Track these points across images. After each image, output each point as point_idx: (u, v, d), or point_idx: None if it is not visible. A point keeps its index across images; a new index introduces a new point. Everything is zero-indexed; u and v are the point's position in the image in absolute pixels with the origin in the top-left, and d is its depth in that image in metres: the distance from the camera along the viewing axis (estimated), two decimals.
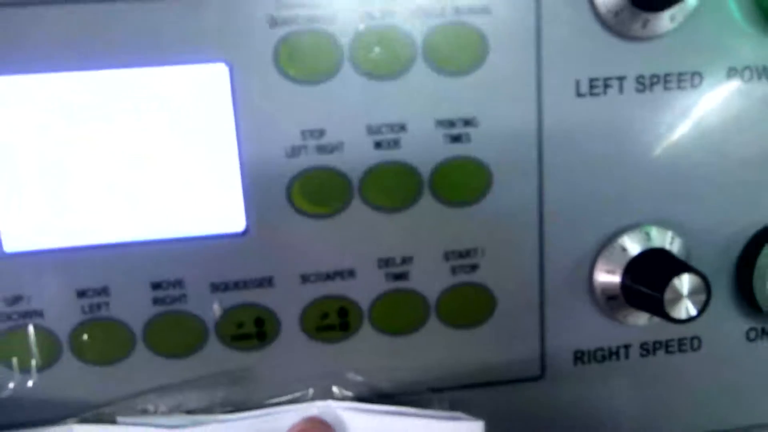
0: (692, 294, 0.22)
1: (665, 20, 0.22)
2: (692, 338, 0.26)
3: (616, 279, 0.24)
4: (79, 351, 0.23)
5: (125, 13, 0.21)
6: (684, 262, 0.23)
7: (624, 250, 0.24)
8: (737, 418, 0.27)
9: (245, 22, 0.21)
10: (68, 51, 0.21)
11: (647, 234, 0.24)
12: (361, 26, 0.22)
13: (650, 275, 0.22)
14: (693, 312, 0.22)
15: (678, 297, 0.21)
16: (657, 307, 0.22)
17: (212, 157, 0.22)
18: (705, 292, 0.22)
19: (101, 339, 0.23)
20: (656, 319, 0.24)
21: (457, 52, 0.22)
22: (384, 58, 0.22)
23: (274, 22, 0.21)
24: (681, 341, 0.26)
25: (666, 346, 0.26)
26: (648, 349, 0.26)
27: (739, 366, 0.26)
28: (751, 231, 0.25)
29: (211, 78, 0.22)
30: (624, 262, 0.24)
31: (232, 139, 0.22)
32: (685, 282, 0.21)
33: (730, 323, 0.26)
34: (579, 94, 0.23)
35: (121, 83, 0.21)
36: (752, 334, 0.26)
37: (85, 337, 0.23)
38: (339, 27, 0.21)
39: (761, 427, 0.27)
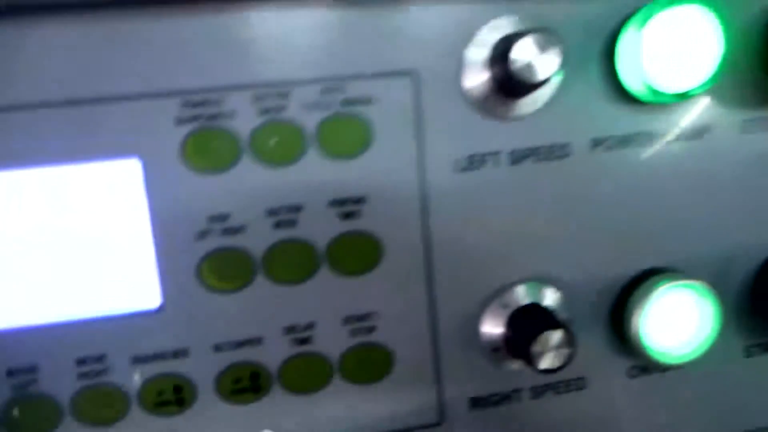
0: (558, 347, 0.24)
1: (528, 104, 0.25)
2: (577, 379, 0.29)
3: (500, 331, 0.26)
4: (10, 427, 0.25)
5: (47, 119, 0.23)
6: (552, 317, 0.25)
7: (506, 306, 0.26)
8: None
9: (154, 122, 0.23)
10: None
11: (527, 290, 0.27)
12: (259, 120, 0.24)
13: (523, 330, 0.25)
14: (556, 364, 0.24)
15: (543, 350, 0.24)
16: (528, 358, 0.24)
17: (129, 243, 0.24)
18: (569, 345, 0.24)
19: (30, 415, 0.25)
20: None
21: (346, 139, 0.25)
22: (280, 147, 0.24)
23: (179, 121, 0.23)
24: (568, 382, 0.29)
25: (554, 387, 0.29)
26: (538, 391, 0.28)
27: (622, 401, 0.29)
28: (622, 279, 0.28)
29: (126, 172, 0.24)
30: (506, 316, 0.26)
31: (147, 226, 0.24)
32: (550, 337, 0.24)
33: (612, 363, 0.29)
34: (458, 170, 0.26)
35: (43, 179, 0.23)
36: (634, 372, 0.29)
37: (16, 412, 0.25)
38: (238, 122, 0.24)
39: None
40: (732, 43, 0.25)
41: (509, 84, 0.23)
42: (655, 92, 0.24)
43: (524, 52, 0.22)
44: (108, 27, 0.22)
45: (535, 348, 0.24)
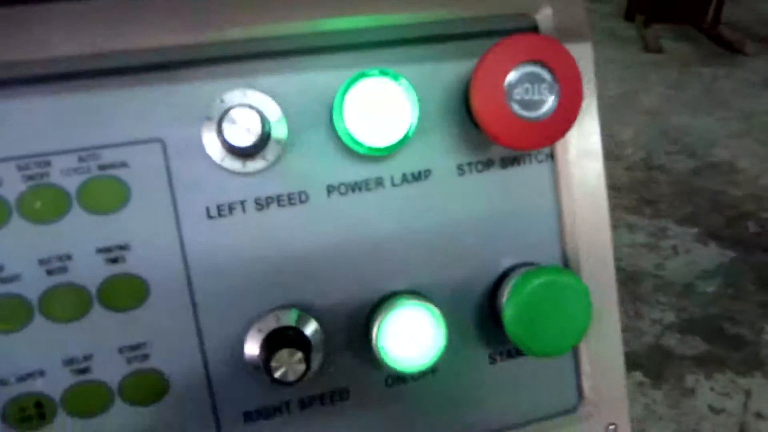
0: (292, 363, 0.29)
1: (260, 161, 0.30)
2: (341, 390, 0.33)
3: (257, 352, 0.31)
4: None
5: None
6: (292, 339, 0.30)
7: (260, 331, 0.31)
8: None
9: None
10: None
11: (277, 316, 0.31)
12: (24, 186, 0.28)
13: (267, 349, 0.30)
14: (290, 378, 0.29)
15: (279, 365, 0.29)
16: (270, 373, 0.29)
17: None
18: (303, 363, 0.29)
19: None
20: (309, 378, 0.32)
21: (105, 197, 0.29)
22: (45, 208, 0.29)
23: None
24: (332, 393, 0.33)
25: (320, 398, 0.33)
26: (305, 403, 0.33)
27: (382, 408, 0.34)
28: (370, 303, 0.33)
29: None
30: (261, 339, 0.31)
31: None
32: (284, 354, 0.29)
33: (370, 375, 0.33)
34: (210, 216, 0.30)
35: None
36: (389, 381, 0.34)
37: None
38: (5, 188, 0.28)
39: None
40: (428, 105, 0.30)
41: (232, 149, 0.29)
42: (361, 146, 0.30)
43: (231, 126, 0.27)
44: None
45: (273, 363, 0.29)
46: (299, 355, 0.29)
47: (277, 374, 0.29)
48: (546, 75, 0.29)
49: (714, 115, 2.42)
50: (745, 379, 1.24)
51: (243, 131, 0.27)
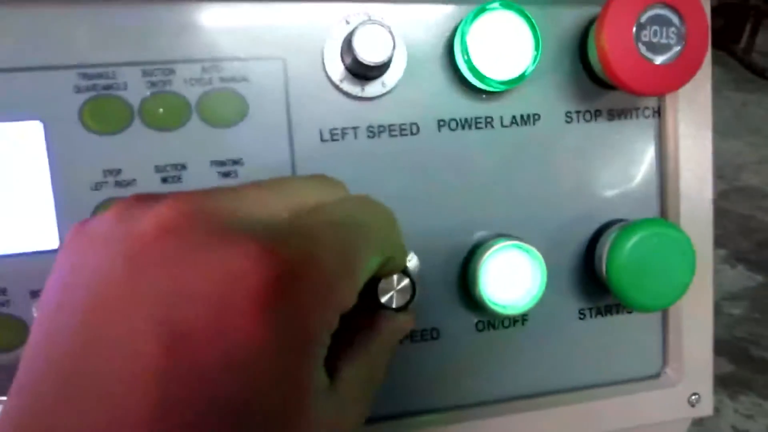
0: (400, 291, 0.29)
1: (378, 86, 0.30)
2: (432, 329, 0.33)
3: None
4: None
5: None
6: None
7: None
8: (473, 395, 0.34)
9: (56, 89, 0.28)
10: None
11: None
12: (148, 92, 0.29)
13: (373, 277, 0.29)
14: (396, 303, 0.29)
15: (390, 290, 0.28)
16: (377, 301, 0.29)
17: (31, 192, 0.28)
18: (410, 289, 0.29)
19: None
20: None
21: (223, 110, 0.29)
22: (166, 116, 0.29)
23: (78, 89, 0.28)
24: (423, 332, 0.33)
25: (410, 336, 0.33)
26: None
27: (470, 351, 0.33)
28: (468, 244, 0.32)
29: (29, 133, 0.28)
30: None
31: (47, 179, 0.28)
32: (393, 280, 0.28)
33: (461, 317, 0.33)
34: (323, 140, 0.30)
35: None
36: (480, 326, 0.33)
37: None
38: (130, 93, 0.28)
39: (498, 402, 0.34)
40: (546, 46, 0.30)
41: (356, 68, 0.29)
42: (481, 78, 0.30)
43: (362, 41, 0.27)
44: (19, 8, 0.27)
45: (381, 287, 0.29)
46: (407, 281, 0.29)
47: (383, 299, 0.29)
48: (675, 20, 0.29)
49: (743, 139, 2.40)
50: None
51: (374, 47, 0.27)
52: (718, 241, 1.74)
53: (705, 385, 0.36)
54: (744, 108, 2.80)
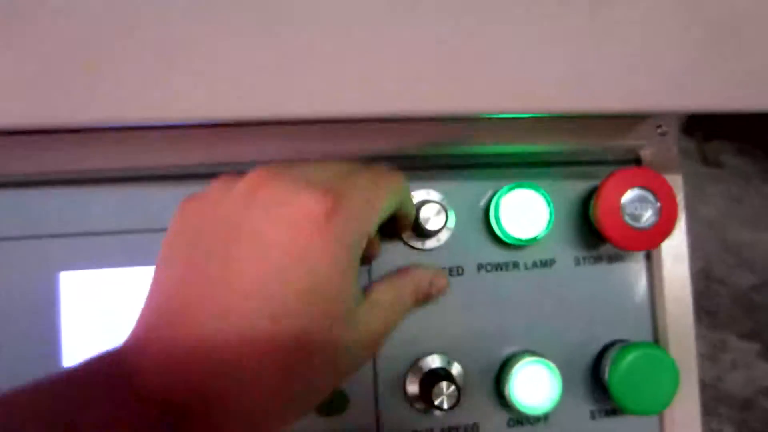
0: (449, 395, 0.39)
1: (434, 241, 0.42)
2: (473, 424, 0.42)
3: (416, 386, 0.41)
4: None
5: None
6: (447, 374, 0.40)
7: (420, 369, 0.41)
8: None
9: None
10: None
11: (433, 359, 0.41)
12: None
13: (429, 383, 0.40)
14: (446, 405, 0.39)
15: (440, 395, 0.39)
16: (430, 400, 0.39)
17: None
18: (456, 394, 0.39)
19: None
20: (449, 411, 0.41)
21: None
22: None
23: None
24: (466, 426, 0.42)
25: (456, 429, 0.42)
26: (445, 430, 0.42)
27: None
28: (501, 358, 0.42)
29: None
30: (420, 376, 0.41)
31: None
32: (443, 386, 0.39)
33: (496, 415, 0.43)
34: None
35: None
36: (511, 423, 0.43)
37: None
38: None
39: None
40: (557, 211, 0.42)
41: (419, 231, 0.40)
42: (508, 237, 0.41)
43: (427, 213, 0.39)
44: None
45: (434, 392, 0.39)
46: (453, 388, 0.39)
47: (436, 401, 0.39)
48: (651, 198, 0.40)
49: None
50: None
51: (433, 219, 0.39)
52: (751, 335, 1.77)
53: None
54: None
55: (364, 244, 0.30)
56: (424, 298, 0.38)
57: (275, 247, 0.28)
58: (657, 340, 0.44)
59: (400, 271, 0.37)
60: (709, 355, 1.67)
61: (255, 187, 0.29)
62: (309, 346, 0.27)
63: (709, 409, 1.47)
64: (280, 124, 0.40)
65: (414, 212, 0.39)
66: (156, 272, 0.30)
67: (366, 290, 0.33)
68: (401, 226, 0.39)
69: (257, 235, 0.28)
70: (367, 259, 0.40)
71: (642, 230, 0.40)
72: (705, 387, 1.55)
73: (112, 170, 0.40)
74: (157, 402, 0.25)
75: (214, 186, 0.31)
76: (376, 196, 0.32)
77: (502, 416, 0.43)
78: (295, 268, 0.27)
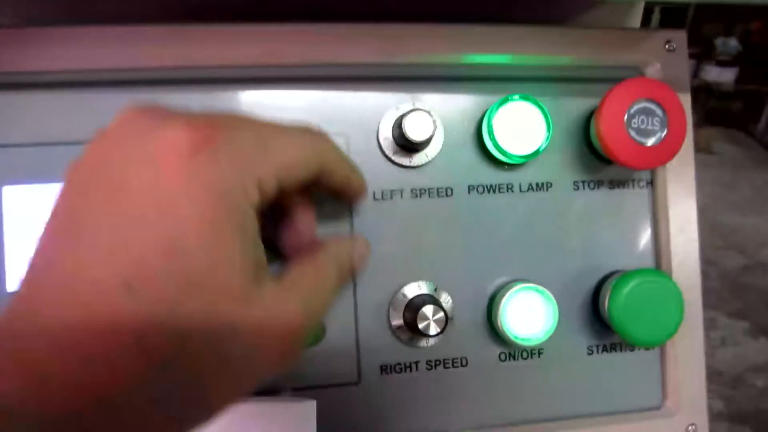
0: (436, 321, 0.35)
1: (422, 157, 0.38)
2: (461, 358, 0.39)
3: (400, 315, 0.38)
4: None
5: None
6: (435, 301, 0.37)
7: (405, 296, 0.38)
8: (494, 417, 0.40)
9: None
10: None
11: (419, 285, 0.38)
12: None
13: (414, 309, 0.36)
14: (433, 331, 0.35)
15: (426, 320, 0.35)
16: (416, 327, 0.35)
17: None
18: (444, 320, 0.35)
19: None
20: (436, 344, 0.38)
21: None
22: None
23: None
24: (454, 360, 0.39)
25: (443, 362, 0.39)
26: (431, 364, 0.39)
27: (493, 378, 0.39)
28: (492, 287, 0.39)
29: None
30: (405, 303, 0.38)
31: None
32: (429, 310, 0.35)
33: (487, 348, 0.39)
34: (375, 199, 0.38)
35: None
36: (503, 357, 0.40)
37: None
38: None
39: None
40: (556, 131, 0.38)
41: (405, 144, 0.37)
42: (503, 153, 0.37)
43: (409, 124, 0.35)
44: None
45: (419, 318, 0.35)
46: (441, 314, 0.36)
47: (421, 326, 0.35)
48: (658, 111, 0.37)
49: (764, 216, 2.44)
50: None
51: (419, 128, 0.35)
52: (741, 314, 1.76)
53: (701, 417, 0.41)
54: (765, 186, 2.85)
55: (250, 200, 0.24)
56: (349, 274, 0.32)
57: (128, 193, 0.22)
58: (659, 268, 0.41)
59: (317, 246, 0.30)
60: None
61: (120, 124, 0.24)
62: (179, 328, 0.21)
63: None
64: (254, 21, 0.37)
65: (355, 179, 0.32)
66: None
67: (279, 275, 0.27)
68: (337, 191, 0.32)
69: (111, 180, 0.23)
70: (292, 247, 0.32)
71: (648, 146, 0.37)
72: None
73: (61, 72, 0.35)
74: None
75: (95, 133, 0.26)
76: (271, 145, 0.25)
77: (494, 350, 0.40)
78: (154, 220, 0.21)
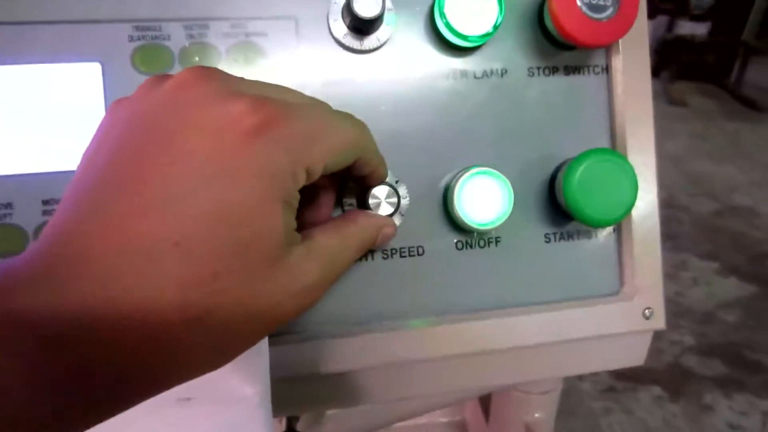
0: (388, 198, 0.35)
1: (374, 40, 0.37)
2: (417, 246, 0.39)
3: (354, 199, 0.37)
4: None
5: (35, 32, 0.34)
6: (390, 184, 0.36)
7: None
8: (451, 306, 0.40)
9: (113, 38, 0.35)
10: None
11: None
12: (187, 43, 0.36)
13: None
14: (388, 210, 0.35)
15: (378, 199, 0.35)
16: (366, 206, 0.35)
17: (84, 129, 0.35)
18: (396, 197, 0.35)
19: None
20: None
21: (247, 58, 0.36)
22: (200, 61, 0.36)
23: (131, 38, 0.35)
24: (410, 248, 0.39)
25: (399, 252, 0.39)
26: (387, 254, 0.39)
27: (450, 267, 0.39)
28: (449, 174, 0.39)
29: (90, 72, 0.35)
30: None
31: (102, 110, 0.35)
32: (381, 191, 0.35)
33: (443, 237, 0.39)
34: (326, 85, 0.37)
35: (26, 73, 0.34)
36: (459, 245, 0.40)
37: None
38: (173, 42, 0.36)
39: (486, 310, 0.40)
40: (509, 15, 0.37)
41: (355, 23, 0.36)
42: (456, 34, 0.37)
43: (359, 1, 0.34)
44: None
45: (372, 194, 0.35)
46: (394, 195, 0.35)
47: (371, 204, 0.35)
48: None
49: (736, 164, 2.48)
50: (763, 401, 1.26)
51: (368, 4, 0.34)
52: (712, 255, 1.80)
53: (657, 301, 0.41)
54: (737, 136, 2.88)
55: (298, 183, 0.26)
56: (369, 247, 0.34)
57: (187, 157, 0.23)
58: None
59: (346, 217, 0.33)
60: (670, 274, 1.69)
61: (182, 86, 0.25)
62: (217, 291, 0.23)
63: (670, 323, 1.49)
64: None
65: (382, 170, 0.34)
66: (70, 184, 0.25)
67: (304, 235, 0.28)
68: (362, 178, 0.34)
69: (171, 141, 0.24)
70: (310, 221, 0.34)
71: (600, 21, 0.36)
72: (666, 302, 1.57)
73: None
74: (34, 333, 0.21)
75: (142, 86, 0.27)
76: (323, 135, 0.27)
77: (450, 238, 0.39)
78: (211, 188, 0.23)
